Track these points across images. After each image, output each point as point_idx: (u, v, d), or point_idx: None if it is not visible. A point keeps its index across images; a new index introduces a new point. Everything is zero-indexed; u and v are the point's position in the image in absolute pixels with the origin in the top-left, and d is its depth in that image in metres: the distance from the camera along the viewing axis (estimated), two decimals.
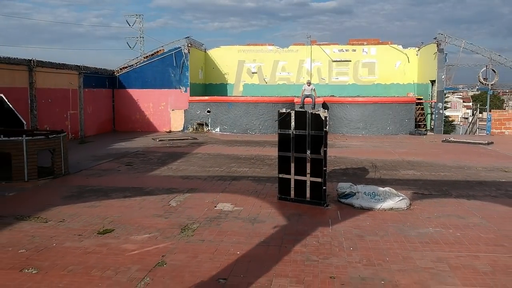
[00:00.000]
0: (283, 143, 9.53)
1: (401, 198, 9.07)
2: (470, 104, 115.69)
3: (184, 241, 6.93)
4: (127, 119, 25.54)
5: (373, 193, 9.16)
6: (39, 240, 6.99)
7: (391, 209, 8.79)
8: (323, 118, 8.94)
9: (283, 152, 9.52)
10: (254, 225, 7.84)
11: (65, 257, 6.28)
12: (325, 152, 8.96)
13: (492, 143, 19.86)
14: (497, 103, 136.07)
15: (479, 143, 19.71)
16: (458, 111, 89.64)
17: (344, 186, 9.46)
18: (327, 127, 8.99)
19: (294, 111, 9.40)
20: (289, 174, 9.41)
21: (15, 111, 14.33)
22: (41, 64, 18.66)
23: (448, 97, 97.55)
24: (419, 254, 6.41)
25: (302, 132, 9.21)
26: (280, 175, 9.56)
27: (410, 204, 9.09)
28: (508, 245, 6.78)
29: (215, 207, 8.93)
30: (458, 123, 72.20)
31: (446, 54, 24.39)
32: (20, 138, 11.35)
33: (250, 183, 11.28)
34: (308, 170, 9.15)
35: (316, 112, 9.17)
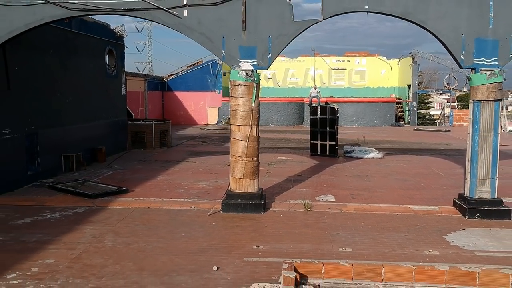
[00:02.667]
0: (313, 123, 17.06)
1: (378, 152, 16.65)
2: (455, 104, 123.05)
3: (273, 167, 14.35)
4: (173, 115, 32.87)
5: (363, 150, 16.73)
6: (196, 165, 14.41)
7: (373, 158, 16.35)
8: (336, 109, 16.50)
9: (313, 128, 17.04)
10: (302, 163, 15.33)
11: (210, 173, 13.65)
12: (337, 128, 16.50)
13: (449, 131, 27.57)
14: None
15: (440, 131, 27.42)
16: (440, 110, 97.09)
17: (347, 147, 17.05)
18: (338, 113, 16.56)
19: (320, 106, 16.95)
20: (316, 140, 16.94)
21: (128, 108, 21.66)
22: (126, 73, 25.96)
23: (432, 97, 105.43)
24: (383, 170, 13.97)
25: (324, 117, 16.74)
26: (311, 141, 17.09)
27: (383, 156, 16.65)
28: (425, 169, 14.33)
29: (278, 157, 16.40)
30: (439, 121, 79.99)
31: (418, 65, 32.14)
32: (151, 122, 18.77)
33: (289, 150, 18.77)
34: (327, 138, 16.68)
35: (332, 105, 16.73)
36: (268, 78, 36.83)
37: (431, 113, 63.01)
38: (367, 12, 9.04)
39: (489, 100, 8.81)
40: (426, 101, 60.17)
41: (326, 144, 16.73)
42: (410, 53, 32.65)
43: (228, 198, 9.25)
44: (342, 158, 16.49)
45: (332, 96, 34.13)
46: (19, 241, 7.48)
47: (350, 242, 7.42)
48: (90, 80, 15.18)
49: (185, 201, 9.99)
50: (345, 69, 36.26)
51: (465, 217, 8.81)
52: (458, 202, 9.27)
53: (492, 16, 8.70)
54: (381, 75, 36.12)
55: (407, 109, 33.97)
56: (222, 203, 9.20)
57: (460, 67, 9.11)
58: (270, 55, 9.16)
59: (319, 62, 36.37)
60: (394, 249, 7.09)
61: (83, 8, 9.26)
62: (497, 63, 8.78)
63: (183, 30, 9.35)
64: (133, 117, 21.54)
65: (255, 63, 9.16)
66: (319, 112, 16.93)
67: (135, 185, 11.53)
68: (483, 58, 8.78)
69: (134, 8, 9.21)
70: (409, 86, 33.14)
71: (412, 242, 7.45)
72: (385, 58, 36.00)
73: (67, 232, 7.87)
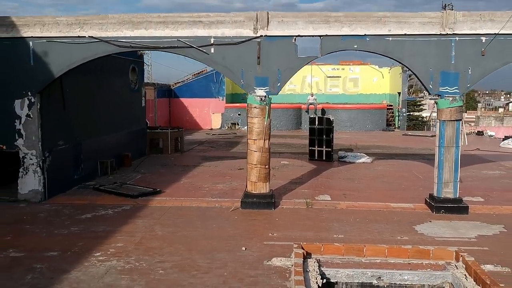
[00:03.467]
0: (311, 132, 19.41)
1: (368, 157, 19.05)
2: None
3: (278, 171, 16.66)
4: (179, 120, 35.16)
5: (355, 156, 19.13)
6: (210, 169, 16.74)
7: (363, 162, 18.73)
8: (332, 120, 18.88)
9: (311, 136, 19.40)
10: (302, 167, 17.68)
11: (224, 176, 15.97)
12: (332, 136, 18.87)
13: (434, 136, 29.94)
14: (473, 104, 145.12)
15: (426, 136, 29.87)
16: (435, 112, 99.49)
17: (341, 153, 19.44)
18: (333, 123, 18.93)
19: (317, 117, 19.33)
20: (314, 147, 19.30)
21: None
22: None
23: (425, 99, 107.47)
24: (371, 173, 16.35)
25: (321, 126, 19.10)
26: (310, 148, 19.45)
27: (372, 161, 19.04)
28: (408, 172, 16.71)
29: (281, 162, 18.73)
30: (433, 122, 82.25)
31: (408, 74, 34.54)
32: (167, 130, 21.09)
33: (290, 155, 21.11)
34: (323, 145, 19.04)
35: (328, 116, 19.10)
36: None
37: (424, 115, 65.69)
38: (356, 50, 11.43)
39: (451, 120, 11.21)
40: (418, 103, 62.66)
41: (322, 150, 19.09)
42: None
43: (245, 197, 11.59)
44: (337, 162, 18.85)
45: (327, 102, 36.56)
46: (90, 231, 9.79)
47: (342, 231, 9.79)
48: (118, 95, 17.47)
49: (209, 200, 12.33)
50: (340, 77, 38.66)
51: (433, 212, 11.21)
52: (429, 201, 11.67)
53: (453, 54, 11.10)
54: (373, 82, 38.54)
55: (397, 114, 36.39)
56: (241, 201, 11.54)
57: (429, 93, 11.51)
58: (279, 84, 11.53)
59: (315, 70, 38.75)
60: (374, 236, 9.46)
61: (130, 46, 11.60)
62: (458, 91, 11.18)
63: (210, 63, 11.72)
64: (148, 124, 23.78)
65: (267, 90, 11.51)
66: (316, 122, 19.29)
67: (165, 187, 13.84)
68: (447, 87, 11.18)
69: (171, 46, 11.56)
70: (399, 93, 35.57)
71: (389, 230, 9.83)
72: (377, 66, 38.45)
73: (124, 224, 10.19)
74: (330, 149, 18.97)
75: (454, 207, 11.18)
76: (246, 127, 29.92)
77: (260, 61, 11.38)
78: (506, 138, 26.31)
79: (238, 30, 11.38)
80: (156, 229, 9.89)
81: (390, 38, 11.19)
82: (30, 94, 11.82)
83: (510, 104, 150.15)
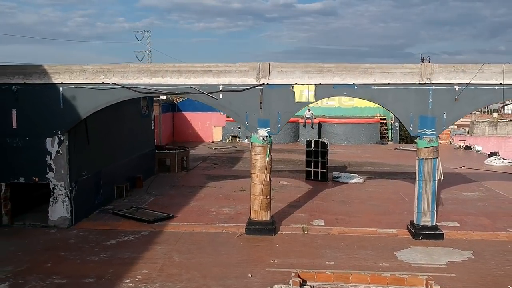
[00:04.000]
0: (308, 154, 21.06)
1: (360, 178, 20.71)
2: None
3: (277, 192, 18.28)
4: (182, 133, 36.82)
5: (348, 176, 20.80)
6: (215, 190, 18.36)
7: (356, 182, 20.39)
8: (326, 143, 20.55)
9: (308, 158, 21.06)
10: (299, 188, 19.34)
11: (229, 199, 17.60)
12: (327, 158, 20.54)
13: None
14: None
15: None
16: None
17: (335, 173, 21.11)
18: (328, 146, 20.59)
19: (313, 140, 20.99)
20: (311, 167, 20.96)
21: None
22: None
23: None
24: (362, 195, 18.02)
25: (316, 149, 20.76)
26: (307, 168, 21.10)
27: (364, 181, 20.70)
28: (395, 194, 18.37)
29: (280, 182, 20.36)
30: None
31: None
32: (174, 151, 22.72)
33: (288, 173, 22.75)
34: (319, 166, 20.70)
35: (323, 140, 20.77)
36: None
37: None
38: (346, 96, 13.08)
39: (429, 158, 12.88)
40: None
41: (318, 171, 20.75)
42: None
43: (249, 224, 13.23)
44: (331, 182, 20.51)
45: (324, 115, 38.25)
46: (117, 257, 11.41)
47: (333, 257, 11.44)
48: (131, 121, 19.09)
49: (217, 226, 13.96)
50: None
51: (413, 238, 12.86)
52: (409, 227, 13.33)
53: (431, 101, 12.77)
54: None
55: (390, 127, 38.08)
56: (246, 228, 13.18)
57: (410, 135, 13.16)
58: (279, 125, 13.18)
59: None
60: (361, 263, 11.11)
61: (149, 92, 13.24)
62: (435, 132, 12.85)
63: (219, 107, 13.38)
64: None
65: (269, 130, 13.16)
66: (312, 145, 20.95)
67: (176, 210, 15.47)
68: (425, 129, 12.85)
69: (185, 92, 13.22)
70: None
71: (373, 257, 11.48)
72: None
73: (145, 251, 11.82)
74: (325, 170, 20.63)
75: (431, 234, 12.83)
76: (246, 140, 31.19)
77: (262, 105, 13.03)
78: (491, 154, 28.00)
79: (243, 79, 13.03)
80: (174, 255, 11.52)
81: (376, 87, 12.86)
82: (59, 133, 13.44)
83: (506, 107, 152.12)
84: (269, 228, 13.14)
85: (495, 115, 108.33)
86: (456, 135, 35.54)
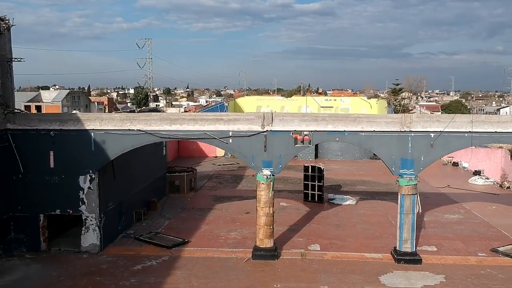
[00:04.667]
0: (305, 177, 23.24)
1: (353, 199, 22.90)
2: (439, 113, 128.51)
3: (278, 215, 20.40)
4: (187, 149, 38.92)
5: (342, 198, 22.99)
6: (223, 212, 20.50)
7: (349, 204, 22.57)
8: (322, 169, 22.73)
9: (306, 181, 23.23)
10: (298, 210, 21.49)
11: (235, 222, 19.74)
12: (323, 182, 22.71)
13: None
14: (464, 112, 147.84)
15: None
16: None
17: (330, 195, 23.30)
18: (324, 171, 22.75)
19: (310, 166, 23.16)
20: (308, 190, 23.14)
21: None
22: None
23: (415, 107, 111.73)
24: (354, 218, 20.20)
25: (313, 174, 22.94)
26: (304, 191, 23.29)
27: (357, 202, 22.88)
28: (384, 217, 20.52)
29: (280, 204, 22.51)
30: None
31: (392, 108, 38.46)
32: (183, 173, 24.86)
33: (287, 193, 24.90)
34: (316, 189, 22.87)
35: (319, 165, 22.94)
36: None
37: None
38: (337, 141, 15.25)
39: (409, 194, 15.05)
40: (408, 112, 66.38)
41: (315, 193, 22.93)
42: (384, 98, 39.01)
43: (255, 251, 15.38)
44: (327, 204, 22.68)
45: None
46: (145, 282, 13.55)
47: (327, 282, 13.61)
48: (147, 151, 21.17)
49: (227, 251, 16.10)
50: (332, 107, 42.53)
51: (396, 263, 15.03)
52: (393, 253, 15.50)
53: (410, 145, 14.95)
54: (362, 112, 42.39)
55: None
56: (252, 254, 15.33)
57: (393, 174, 15.34)
58: (280, 165, 15.35)
59: (310, 101, 42.62)
60: (349, 286, 13.28)
61: (168, 137, 15.40)
62: (414, 173, 15.02)
63: (229, 150, 15.56)
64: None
65: (272, 170, 15.31)
66: (310, 170, 23.12)
67: (190, 235, 17.61)
68: (405, 170, 15.02)
69: (199, 137, 15.38)
70: None
71: (360, 281, 13.65)
72: (365, 98, 42.37)
73: (168, 276, 13.95)
74: (321, 193, 22.80)
75: (411, 259, 15.01)
76: None
77: (266, 149, 15.19)
78: (476, 173, 30.19)
79: (250, 126, 15.19)
80: (193, 280, 13.67)
81: (363, 133, 15.03)
82: (91, 172, 15.58)
83: (501, 110, 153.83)
84: (272, 254, 15.30)
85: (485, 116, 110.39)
86: None
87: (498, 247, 16.31)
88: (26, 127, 15.55)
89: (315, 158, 37.08)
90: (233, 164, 34.89)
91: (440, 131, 14.82)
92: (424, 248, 16.38)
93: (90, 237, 15.87)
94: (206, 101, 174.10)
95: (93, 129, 15.46)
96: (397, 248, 15.36)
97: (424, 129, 14.90)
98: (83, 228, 15.87)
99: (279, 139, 15.22)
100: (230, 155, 38.36)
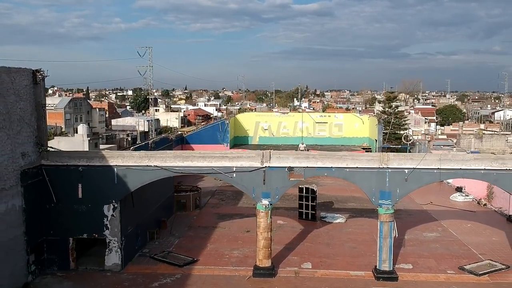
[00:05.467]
0: (300, 198, 25.78)
1: (343, 218, 25.46)
2: (434, 118, 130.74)
3: (275, 233, 22.90)
4: None
5: (333, 216, 25.56)
6: (226, 231, 23.01)
7: (339, 222, 25.13)
8: (315, 190, 25.29)
9: (300, 201, 25.78)
10: (293, 229, 24.03)
11: (237, 241, 22.26)
12: (315, 202, 25.26)
13: None
14: (459, 116, 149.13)
15: None
16: (420, 127, 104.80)
17: (322, 214, 25.86)
18: (316, 193, 25.29)
19: (304, 187, 25.71)
20: (302, 209, 25.68)
21: None
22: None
23: (409, 113, 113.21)
24: (343, 236, 22.75)
25: (307, 194, 25.48)
26: (299, 210, 25.84)
27: (346, 220, 25.43)
28: (369, 235, 23.07)
29: (277, 222, 25.02)
30: (419, 138, 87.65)
31: (382, 125, 41.04)
32: (189, 193, 27.39)
33: (284, 211, 27.40)
34: (309, 209, 25.42)
35: (312, 187, 25.49)
36: (265, 129, 45.60)
37: (409, 132, 71.48)
38: (325, 176, 17.81)
39: (387, 221, 17.60)
40: (403, 122, 67.69)
41: (309, 212, 25.47)
42: (376, 114, 41.63)
43: (255, 269, 17.91)
44: (319, 222, 25.20)
45: (316, 145, 43.03)
46: None
47: None
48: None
49: (231, 269, 18.61)
50: (326, 123, 45.14)
51: (375, 280, 17.57)
52: (373, 271, 18.05)
53: (387, 180, 17.50)
54: (355, 127, 45.05)
55: None
56: (252, 272, 17.85)
57: (373, 204, 17.89)
58: (277, 196, 17.88)
59: (305, 117, 45.20)
60: None
61: (181, 172, 17.92)
62: (391, 203, 17.57)
63: (233, 183, 18.07)
64: None
65: (270, 200, 17.84)
66: (304, 191, 25.65)
67: (198, 253, 20.12)
68: (383, 200, 17.56)
69: (208, 172, 17.92)
70: (375, 140, 42.09)
71: None
72: (358, 114, 44.98)
73: None
74: (314, 212, 25.34)
75: (389, 277, 17.56)
76: None
77: (265, 182, 17.72)
78: (458, 189, 32.76)
79: (251, 162, 17.71)
80: None
81: (348, 169, 17.58)
82: (114, 202, 18.07)
83: (496, 113, 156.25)
84: (270, 272, 17.83)
85: (482, 126, 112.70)
86: None
87: (465, 265, 18.87)
88: (58, 163, 18.04)
89: None
90: None
91: (413, 168, 17.37)
92: (402, 266, 18.93)
93: (113, 258, 18.37)
94: (205, 104, 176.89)
95: (116, 165, 17.97)
96: (377, 267, 17.91)
97: (399, 166, 17.46)
98: (107, 250, 18.37)
99: (276, 173, 17.75)
100: None
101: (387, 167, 17.50)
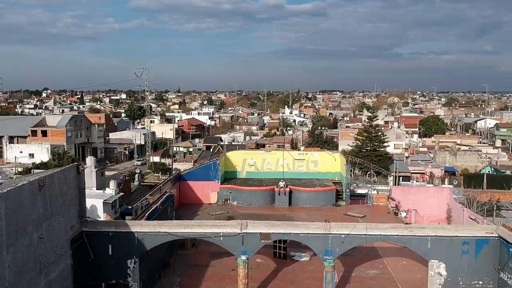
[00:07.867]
0: (274, 243, 32.97)
1: (308, 256, 32.69)
2: (417, 129, 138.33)
3: (253, 272, 29.95)
4: (187, 196, 48.43)
5: (299, 255, 32.79)
6: (216, 269, 30.12)
7: (304, 260, 32.32)
8: (287, 241, 32.53)
9: (274, 243, 32.96)
10: (268, 267, 31.16)
11: (225, 279, 29.35)
12: (286, 244, 32.47)
13: (365, 216, 43.61)
14: (442, 127, 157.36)
15: (358, 216, 43.47)
16: (402, 141, 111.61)
17: (292, 252, 33.11)
18: (287, 242, 32.54)
19: (278, 240, 32.92)
20: (276, 250, 32.86)
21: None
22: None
23: (391, 127, 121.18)
24: (305, 274, 29.94)
25: (280, 244, 32.66)
26: (274, 250, 33.02)
27: (310, 258, 32.62)
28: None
29: (256, 260, 32.08)
30: (400, 153, 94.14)
31: (350, 166, 48.22)
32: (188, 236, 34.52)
33: (262, 249, 34.47)
34: (282, 249, 32.60)
35: (285, 239, 32.70)
36: (251, 165, 52.70)
37: (388, 150, 78.61)
38: (288, 239, 25.02)
39: (330, 271, 24.78)
40: (382, 138, 74.20)
41: (281, 252, 32.62)
42: (343, 153, 48.89)
43: None
44: (289, 260, 32.31)
45: (295, 179, 50.28)
46: None
47: None
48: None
49: None
50: (304, 159, 52.34)
51: None
52: None
53: (330, 241, 24.70)
54: (329, 163, 52.32)
55: (344, 190, 50.07)
56: None
57: (320, 259, 25.09)
58: (252, 253, 25.04)
59: (286, 154, 52.41)
60: None
61: (183, 236, 25.05)
62: (332, 258, 24.75)
63: (220, 244, 25.21)
64: None
65: (247, 256, 24.96)
66: (277, 241, 32.73)
67: None
68: (327, 256, 24.73)
69: (204, 236, 25.07)
70: (345, 176, 49.33)
71: None
72: (330, 152, 52.28)
73: None
74: (285, 252, 32.50)
75: None
76: (235, 203, 43.77)
77: (243, 243, 24.83)
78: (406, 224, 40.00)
79: (233, 229, 24.83)
80: None
81: (302, 234, 24.75)
82: (135, 257, 25.13)
83: (478, 121, 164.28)
84: None
85: (458, 141, 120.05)
86: (390, 199, 47.05)
87: None
88: (94, 229, 25.06)
89: (289, 205, 46.87)
90: (224, 213, 44.48)
91: (348, 234, 24.57)
92: None
93: None
94: (198, 113, 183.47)
95: (136, 231, 25.01)
96: None
97: (338, 232, 24.65)
98: None
99: (251, 237, 24.88)
100: (221, 201, 48.06)
101: (330, 233, 24.69)
